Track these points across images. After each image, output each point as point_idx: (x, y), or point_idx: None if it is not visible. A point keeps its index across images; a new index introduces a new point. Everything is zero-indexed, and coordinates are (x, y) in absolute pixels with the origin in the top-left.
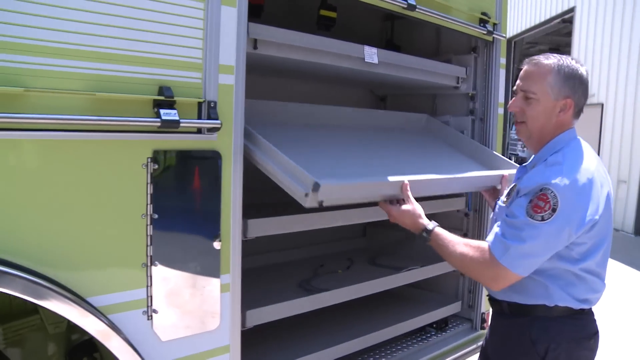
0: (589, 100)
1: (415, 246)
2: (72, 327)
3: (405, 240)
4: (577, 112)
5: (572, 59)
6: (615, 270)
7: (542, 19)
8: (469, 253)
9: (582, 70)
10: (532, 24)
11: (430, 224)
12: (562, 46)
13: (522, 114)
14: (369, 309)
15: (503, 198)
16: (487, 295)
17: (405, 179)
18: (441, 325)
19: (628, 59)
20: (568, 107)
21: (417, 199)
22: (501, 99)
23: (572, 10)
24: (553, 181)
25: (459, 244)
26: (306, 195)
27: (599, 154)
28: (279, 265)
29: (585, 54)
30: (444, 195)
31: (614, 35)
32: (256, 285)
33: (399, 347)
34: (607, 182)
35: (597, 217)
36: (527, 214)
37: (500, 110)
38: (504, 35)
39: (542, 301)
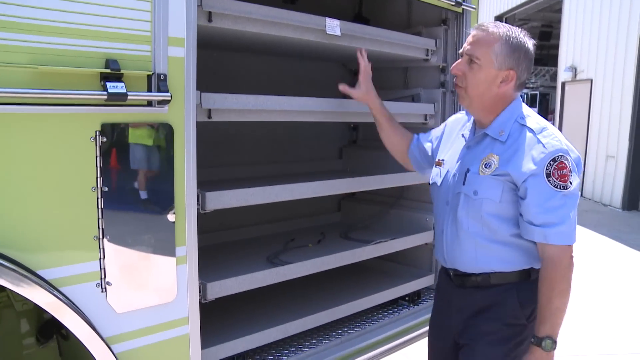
0: (579, 76)
1: (390, 220)
2: None
3: (380, 214)
4: (519, 85)
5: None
6: (602, 245)
7: None
8: (558, 281)
9: (530, 44)
10: (523, 0)
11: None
12: (555, 22)
13: (463, 78)
14: (340, 283)
15: (481, 168)
16: (451, 273)
17: None
18: (414, 298)
19: (617, 35)
20: (510, 78)
21: None
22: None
23: None
24: (560, 146)
25: (552, 293)
26: None
27: (587, 129)
28: (251, 240)
29: (575, 30)
30: None
31: (603, 11)
32: (224, 259)
33: (371, 320)
34: None
35: None
36: (557, 187)
37: None
38: (474, 6)
39: (523, 266)
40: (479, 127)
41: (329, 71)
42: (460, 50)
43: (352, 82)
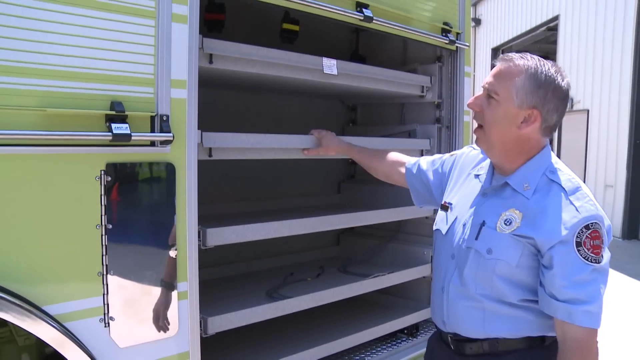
0: (575, 106)
1: (388, 253)
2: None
3: (379, 247)
4: (546, 129)
5: (553, 65)
6: None
7: (528, 27)
8: None
9: (562, 81)
10: (519, 32)
11: None
12: (551, 54)
13: (481, 115)
14: (339, 316)
15: (499, 224)
16: (450, 338)
17: None
18: (412, 331)
19: (611, 65)
20: (533, 119)
21: None
22: (467, 107)
23: (556, 18)
24: (596, 212)
25: None
26: None
27: (585, 159)
28: (250, 274)
29: (570, 61)
30: None
31: (597, 42)
32: (225, 293)
33: (370, 353)
34: None
35: None
36: (588, 259)
37: (467, 118)
38: (467, 44)
39: (536, 332)
40: (497, 172)
41: (327, 107)
42: (482, 84)
43: (350, 117)
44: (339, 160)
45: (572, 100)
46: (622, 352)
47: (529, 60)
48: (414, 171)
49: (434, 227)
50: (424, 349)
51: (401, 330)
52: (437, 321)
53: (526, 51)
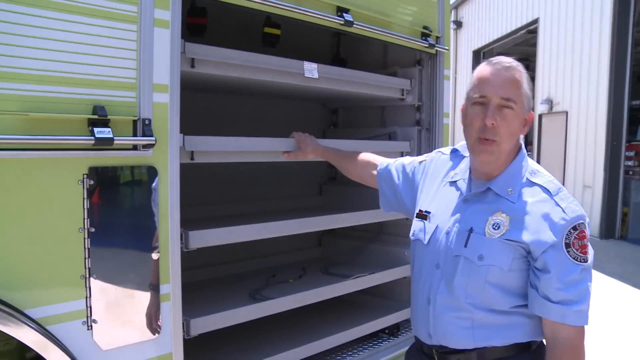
0: (555, 108)
1: (369, 254)
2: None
3: (360, 249)
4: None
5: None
6: None
7: (509, 30)
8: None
9: None
10: (500, 35)
11: None
12: (531, 56)
13: (496, 130)
14: (321, 317)
15: (488, 229)
16: (435, 350)
17: None
18: (393, 331)
19: (589, 68)
20: (530, 120)
21: None
22: (446, 109)
23: (536, 21)
24: (580, 212)
25: None
26: None
27: (564, 160)
28: (233, 276)
29: (549, 64)
30: None
31: (575, 45)
32: (207, 295)
33: (352, 353)
34: None
35: None
36: (577, 259)
37: (446, 120)
38: (447, 48)
39: (523, 339)
40: (476, 177)
41: (309, 110)
42: (481, 95)
43: (331, 120)
44: (320, 163)
45: (551, 102)
46: (602, 349)
47: (518, 64)
48: (385, 175)
49: (412, 238)
50: (406, 348)
51: (382, 330)
52: (421, 334)
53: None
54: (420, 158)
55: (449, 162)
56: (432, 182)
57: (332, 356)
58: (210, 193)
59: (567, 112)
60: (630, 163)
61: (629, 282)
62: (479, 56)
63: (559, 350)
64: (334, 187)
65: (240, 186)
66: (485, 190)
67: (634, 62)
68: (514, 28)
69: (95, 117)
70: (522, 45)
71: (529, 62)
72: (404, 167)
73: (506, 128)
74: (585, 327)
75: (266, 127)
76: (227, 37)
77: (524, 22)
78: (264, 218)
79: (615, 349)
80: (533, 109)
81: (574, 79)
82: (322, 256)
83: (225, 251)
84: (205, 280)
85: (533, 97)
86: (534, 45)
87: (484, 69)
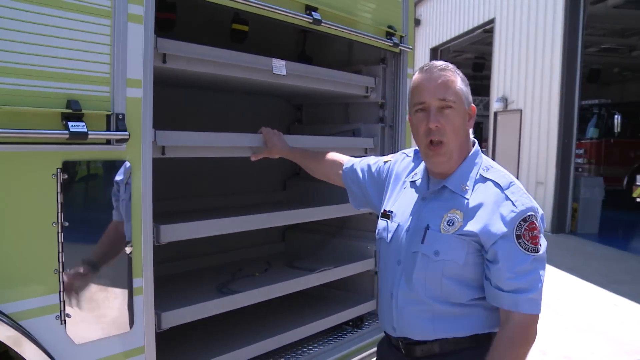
0: (509, 106)
1: (332, 248)
2: None
3: (323, 243)
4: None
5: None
6: None
7: (466, 29)
8: (518, 344)
9: None
10: (457, 34)
11: None
12: (487, 54)
13: (442, 131)
14: (288, 310)
15: (443, 226)
16: (401, 342)
17: None
18: (357, 323)
19: (542, 68)
20: (473, 114)
21: None
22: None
23: (492, 21)
24: (530, 204)
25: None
26: None
27: (519, 157)
28: (198, 270)
29: (505, 62)
30: None
31: (530, 45)
32: (176, 289)
33: (317, 345)
34: None
35: None
36: (528, 250)
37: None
38: (410, 47)
39: (484, 329)
40: (433, 176)
41: (273, 106)
42: (421, 102)
43: (295, 116)
44: (284, 159)
45: (506, 100)
46: (551, 337)
47: (449, 65)
48: (350, 174)
49: (377, 236)
50: (370, 340)
51: (346, 322)
52: (387, 328)
53: (463, 52)
54: (385, 158)
55: (411, 163)
56: (395, 183)
57: (298, 348)
58: (174, 188)
59: (521, 110)
60: (579, 160)
61: (578, 275)
62: (436, 54)
63: (508, 328)
64: (297, 182)
65: (203, 181)
66: (441, 188)
67: (583, 63)
68: (470, 27)
69: (70, 111)
70: (478, 44)
71: (484, 60)
72: (369, 166)
73: (450, 126)
74: (539, 315)
75: (230, 123)
76: (195, 33)
77: (481, 22)
78: (229, 212)
79: (564, 338)
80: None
81: (528, 78)
82: (285, 251)
83: (190, 246)
84: (171, 275)
85: (482, 94)
86: (489, 44)
87: (417, 77)
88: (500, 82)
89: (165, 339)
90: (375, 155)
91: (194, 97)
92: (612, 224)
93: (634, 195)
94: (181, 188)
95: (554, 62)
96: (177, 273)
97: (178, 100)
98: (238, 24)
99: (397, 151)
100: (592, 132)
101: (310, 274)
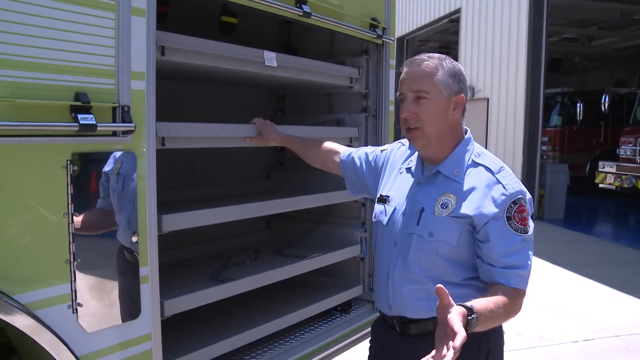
0: (477, 95)
1: (318, 236)
2: None
3: (309, 231)
4: (463, 110)
5: (447, 57)
6: None
7: (432, 19)
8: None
9: (461, 67)
10: (423, 23)
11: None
12: (452, 44)
13: (416, 118)
14: (278, 297)
15: (437, 209)
16: (396, 321)
17: None
18: (345, 308)
19: (508, 57)
20: (460, 103)
21: None
22: (391, 97)
23: (458, 11)
24: (520, 188)
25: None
26: None
27: (486, 145)
28: (189, 259)
29: (471, 52)
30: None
31: (495, 35)
32: (172, 278)
33: (307, 330)
34: None
35: None
36: (517, 230)
37: (391, 107)
38: (393, 38)
39: None
40: (427, 162)
41: (257, 97)
42: (400, 94)
43: (279, 106)
44: (268, 148)
45: (473, 89)
46: (528, 320)
47: (435, 58)
48: (348, 162)
49: (374, 220)
50: (358, 323)
51: (335, 308)
52: (383, 306)
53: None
54: (382, 147)
55: (407, 151)
56: (392, 170)
57: (290, 333)
58: (160, 178)
59: (488, 99)
60: (544, 148)
61: (546, 259)
62: (402, 43)
63: (500, 287)
64: (281, 171)
65: (189, 171)
66: (435, 173)
67: (547, 52)
68: (437, 17)
69: (79, 103)
70: (444, 33)
71: (449, 49)
72: (366, 154)
73: (425, 115)
74: (525, 291)
75: (214, 114)
76: (187, 25)
77: (447, 12)
78: (215, 202)
79: (538, 319)
80: (463, 92)
81: (495, 67)
82: (271, 239)
83: (178, 236)
84: (161, 264)
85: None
86: (455, 33)
87: (403, 71)
88: (467, 71)
89: (165, 326)
90: (359, 144)
91: (177, 89)
92: (576, 210)
93: (597, 181)
94: (164, 179)
95: (520, 51)
96: (166, 263)
97: (162, 93)
98: (227, 16)
99: (381, 140)
100: (555, 120)
101: (301, 260)
